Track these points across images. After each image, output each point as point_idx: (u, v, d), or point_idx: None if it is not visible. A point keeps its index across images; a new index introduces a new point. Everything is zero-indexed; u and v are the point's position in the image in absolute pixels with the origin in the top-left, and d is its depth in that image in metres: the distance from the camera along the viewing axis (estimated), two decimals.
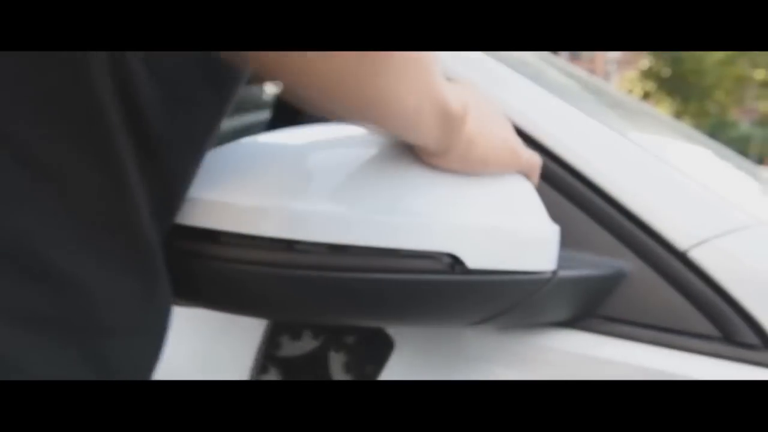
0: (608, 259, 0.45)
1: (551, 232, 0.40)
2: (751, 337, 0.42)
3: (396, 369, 0.45)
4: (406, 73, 0.30)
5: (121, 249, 0.29)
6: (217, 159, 0.37)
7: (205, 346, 0.51)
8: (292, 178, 0.35)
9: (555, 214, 0.43)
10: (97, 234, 0.28)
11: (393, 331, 0.46)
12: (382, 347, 0.46)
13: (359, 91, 0.28)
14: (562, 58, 0.91)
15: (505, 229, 0.37)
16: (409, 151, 0.37)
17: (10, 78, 0.26)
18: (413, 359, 0.46)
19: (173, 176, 0.33)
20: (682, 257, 0.44)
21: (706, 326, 0.43)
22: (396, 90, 0.30)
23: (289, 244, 0.33)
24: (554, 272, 0.40)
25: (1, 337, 0.25)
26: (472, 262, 0.35)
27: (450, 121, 0.35)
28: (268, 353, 0.48)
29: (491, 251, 0.36)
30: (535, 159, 0.42)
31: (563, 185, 0.47)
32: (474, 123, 0.37)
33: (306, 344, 0.47)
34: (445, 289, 0.36)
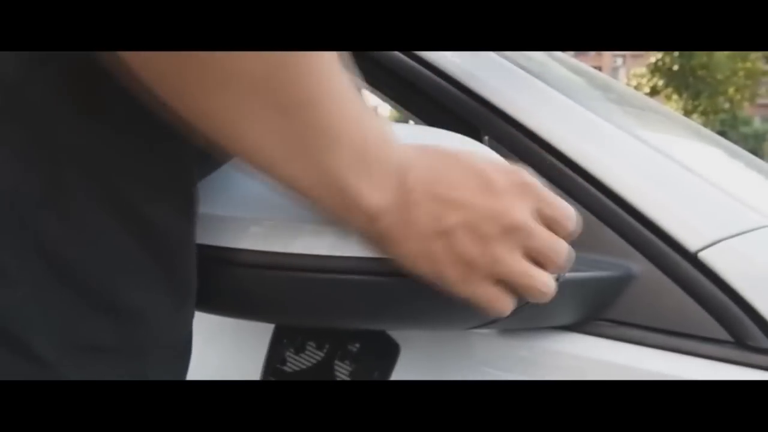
0: (616, 260, 0.44)
1: None
2: (764, 341, 0.41)
3: (402, 374, 0.45)
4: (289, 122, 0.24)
5: (180, 279, 0.30)
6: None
7: (212, 365, 0.51)
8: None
9: None
10: (164, 270, 0.29)
11: (397, 334, 0.46)
12: (388, 352, 0.45)
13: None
14: (568, 54, 0.90)
15: None
16: None
17: (129, 147, 0.27)
18: (418, 363, 0.45)
19: None
20: (692, 259, 0.43)
21: (717, 330, 0.42)
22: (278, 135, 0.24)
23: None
24: (559, 274, 0.39)
25: (62, 362, 0.27)
26: None
27: (353, 214, 0.28)
28: (274, 369, 0.48)
29: None
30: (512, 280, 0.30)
31: (570, 184, 0.46)
32: (401, 223, 0.28)
33: (311, 356, 0.47)
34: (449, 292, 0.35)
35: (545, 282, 0.31)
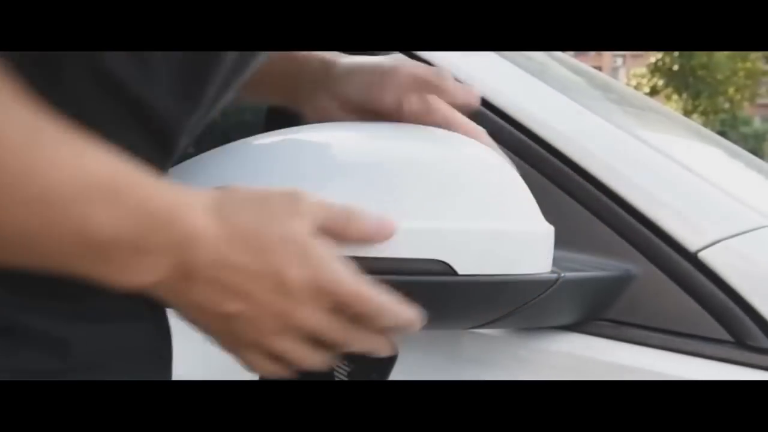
0: (616, 260, 0.44)
1: (545, 233, 0.39)
2: (764, 341, 0.41)
3: (400, 374, 0.45)
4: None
5: (92, 304, 0.29)
6: (209, 164, 0.36)
7: (211, 365, 0.51)
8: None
9: (561, 214, 0.43)
10: (72, 295, 0.28)
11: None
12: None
13: None
14: (568, 54, 0.90)
15: (497, 233, 0.36)
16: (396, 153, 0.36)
17: None
18: (417, 363, 0.45)
19: None
20: (692, 259, 0.43)
21: (717, 330, 0.42)
22: None
23: None
24: (559, 274, 0.39)
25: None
26: (462, 269, 0.34)
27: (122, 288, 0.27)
28: None
29: (482, 257, 0.35)
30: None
31: (570, 185, 0.46)
32: (178, 297, 0.28)
33: None
34: (449, 292, 0.35)
35: (322, 364, 0.32)
